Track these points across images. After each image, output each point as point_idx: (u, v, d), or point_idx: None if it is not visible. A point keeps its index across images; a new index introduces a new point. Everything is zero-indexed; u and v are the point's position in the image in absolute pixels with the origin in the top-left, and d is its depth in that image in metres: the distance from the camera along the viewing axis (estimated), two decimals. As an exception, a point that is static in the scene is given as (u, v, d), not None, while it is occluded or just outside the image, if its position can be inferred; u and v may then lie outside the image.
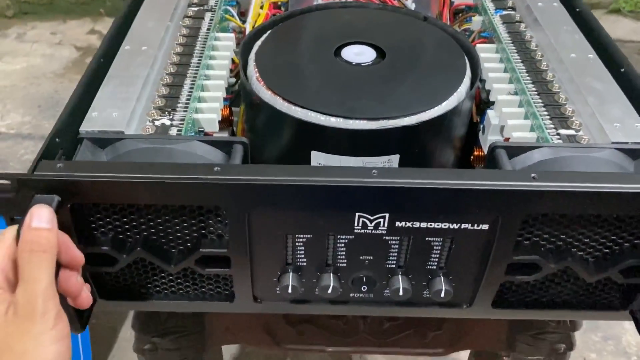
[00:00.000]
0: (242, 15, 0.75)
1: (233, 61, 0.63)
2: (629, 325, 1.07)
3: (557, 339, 0.65)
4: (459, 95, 0.53)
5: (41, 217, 0.39)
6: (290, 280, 0.48)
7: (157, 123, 0.51)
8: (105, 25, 1.74)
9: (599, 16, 1.75)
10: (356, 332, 0.64)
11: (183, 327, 0.63)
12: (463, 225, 0.44)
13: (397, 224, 0.44)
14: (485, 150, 0.57)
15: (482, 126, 0.58)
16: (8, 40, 1.71)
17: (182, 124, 0.51)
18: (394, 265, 0.48)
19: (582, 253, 0.47)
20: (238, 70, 0.62)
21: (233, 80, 0.63)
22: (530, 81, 0.56)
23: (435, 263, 0.47)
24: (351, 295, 0.50)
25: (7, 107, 1.47)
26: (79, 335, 0.95)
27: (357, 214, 0.44)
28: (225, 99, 0.58)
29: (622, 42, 1.64)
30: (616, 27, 1.69)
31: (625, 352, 1.02)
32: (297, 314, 0.64)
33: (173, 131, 0.50)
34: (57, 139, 0.47)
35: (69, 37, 1.71)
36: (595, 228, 0.45)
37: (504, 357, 0.69)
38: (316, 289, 0.49)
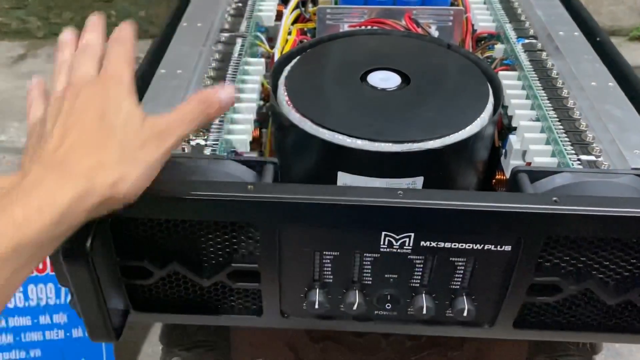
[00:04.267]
0: (270, 40, 0.78)
1: (262, 85, 0.65)
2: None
3: (578, 362, 0.65)
4: (482, 120, 0.55)
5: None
6: (317, 296, 0.50)
7: (193, 143, 0.53)
8: (132, 47, 1.79)
9: (620, 43, 1.77)
10: (378, 350, 0.65)
11: (209, 341, 0.65)
12: (486, 246, 0.46)
13: (422, 243, 0.46)
14: (507, 174, 0.58)
15: (504, 150, 0.60)
16: (39, 60, 1.76)
17: (216, 144, 0.53)
18: (418, 284, 0.49)
19: (602, 275, 0.48)
20: (267, 93, 0.65)
21: (261, 102, 0.66)
22: (552, 108, 0.58)
23: (459, 283, 0.49)
24: (375, 312, 0.52)
25: (37, 124, 1.51)
26: (104, 350, 0.97)
27: (383, 233, 0.46)
28: (256, 121, 0.60)
29: (642, 69, 1.65)
30: (638, 55, 1.70)
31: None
32: (320, 331, 0.66)
33: (207, 151, 0.53)
34: (98, 157, 0.49)
35: (97, 58, 1.76)
36: (615, 251, 0.47)
37: (524, 379, 0.69)
38: (342, 306, 0.51)
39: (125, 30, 0.46)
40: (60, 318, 0.92)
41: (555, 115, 0.57)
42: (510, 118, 0.60)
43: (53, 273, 0.94)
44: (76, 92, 0.41)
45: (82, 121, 0.40)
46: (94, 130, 0.39)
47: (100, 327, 0.48)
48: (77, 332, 0.93)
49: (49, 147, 0.39)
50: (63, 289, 0.93)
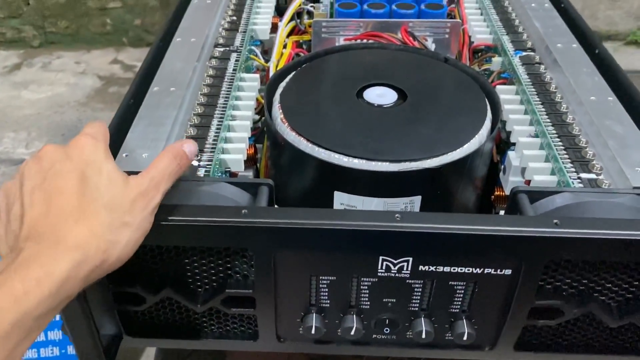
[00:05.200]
0: (265, 53, 0.77)
1: (257, 100, 0.64)
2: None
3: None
4: (481, 137, 0.54)
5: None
6: (313, 321, 0.49)
7: (186, 164, 0.52)
8: (127, 55, 1.79)
9: (617, 47, 1.76)
10: (377, 370, 0.64)
11: (205, 362, 0.64)
12: (486, 270, 0.45)
13: (421, 267, 0.45)
14: (506, 190, 0.57)
15: (503, 166, 0.59)
16: (34, 69, 1.75)
17: (209, 164, 0.52)
18: (417, 308, 0.48)
19: (604, 298, 0.47)
20: (262, 106, 0.64)
21: (257, 117, 0.65)
22: (551, 123, 0.57)
23: (458, 306, 0.48)
24: (374, 336, 0.51)
25: (32, 135, 1.51)
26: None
27: (380, 257, 0.45)
28: (250, 137, 0.59)
29: (640, 74, 1.64)
30: (635, 59, 1.70)
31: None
32: (319, 354, 0.64)
33: (201, 172, 0.52)
34: (89, 180, 0.48)
35: (92, 67, 1.76)
36: (617, 274, 0.46)
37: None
38: (339, 330, 0.50)
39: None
40: (55, 335, 0.91)
41: (555, 131, 0.56)
42: (508, 133, 0.60)
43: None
44: (52, 152, 0.41)
45: (63, 185, 0.39)
46: (78, 195, 0.39)
47: (92, 354, 0.47)
48: (72, 350, 0.92)
49: (34, 214, 0.38)
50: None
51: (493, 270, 0.45)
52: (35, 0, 1.75)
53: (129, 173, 0.47)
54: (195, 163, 0.52)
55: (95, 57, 1.81)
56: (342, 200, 0.53)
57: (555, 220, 0.43)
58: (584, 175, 0.51)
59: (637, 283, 0.46)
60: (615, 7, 1.68)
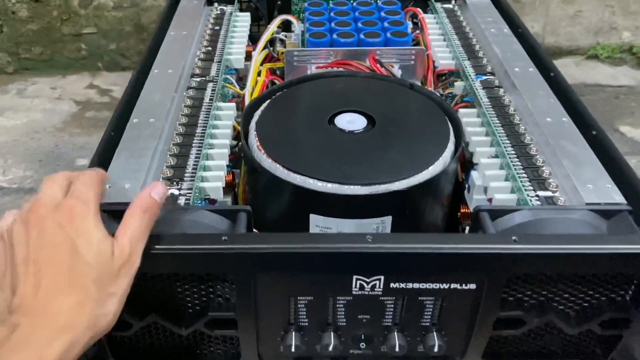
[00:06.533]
0: (241, 80, 0.80)
1: (233, 126, 0.67)
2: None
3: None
4: (445, 159, 0.58)
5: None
6: (293, 339, 0.51)
7: (167, 193, 0.55)
8: (103, 79, 1.80)
9: (579, 62, 1.83)
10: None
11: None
12: (452, 285, 0.48)
13: (392, 285, 0.48)
14: (471, 207, 0.61)
15: (467, 185, 0.63)
16: (9, 96, 1.75)
17: (189, 192, 0.55)
18: (390, 323, 0.51)
19: (563, 307, 0.51)
20: (238, 132, 0.67)
21: (234, 142, 0.68)
22: (510, 144, 0.61)
23: (429, 320, 0.51)
24: (350, 351, 0.53)
25: (8, 162, 1.51)
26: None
27: (354, 276, 0.48)
28: (228, 165, 0.62)
29: (601, 87, 1.71)
30: (596, 73, 1.76)
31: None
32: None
33: (181, 200, 0.54)
34: (75, 212, 0.50)
35: (68, 92, 1.76)
36: (574, 285, 0.49)
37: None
38: (318, 347, 0.52)
39: (92, 171, 0.47)
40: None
41: (514, 152, 0.60)
42: (472, 154, 0.63)
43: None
44: (42, 218, 0.41)
45: (54, 258, 0.40)
46: (69, 270, 0.40)
47: (81, 381, 0.49)
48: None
49: (27, 288, 0.39)
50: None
51: (459, 285, 0.48)
52: (9, 27, 1.76)
53: (114, 204, 0.50)
54: (175, 192, 0.55)
55: (70, 82, 1.81)
56: (317, 222, 0.56)
57: (514, 238, 0.47)
58: (541, 193, 0.55)
59: (592, 293, 0.50)
60: (575, 24, 1.75)
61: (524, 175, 0.57)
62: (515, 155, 0.59)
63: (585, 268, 0.47)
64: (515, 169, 0.57)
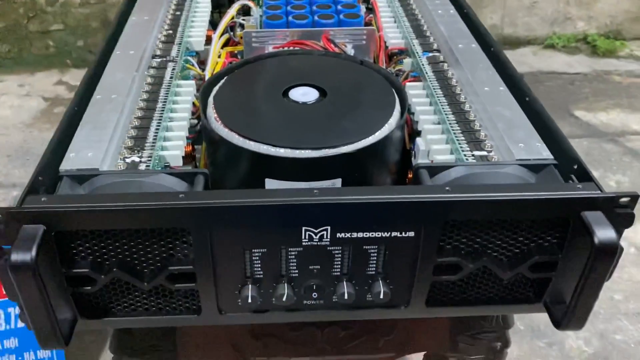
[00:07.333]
0: (202, 64, 0.84)
1: (194, 105, 0.71)
2: (571, 332, 1.16)
3: (493, 338, 0.73)
4: (390, 126, 0.62)
5: None
6: (250, 291, 0.55)
7: (128, 160, 0.58)
8: (72, 76, 1.81)
9: (536, 51, 1.91)
10: (315, 342, 0.71)
11: (156, 346, 0.69)
12: (393, 234, 0.52)
13: (338, 235, 0.52)
14: (416, 171, 0.65)
15: (414, 152, 0.67)
16: (-23, 93, 1.76)
17: (150, 160, 0.58)
18: (339, 273, 0.55)
19: (496, 254, 0.55)
20: (199, 113, 0.70)
21: (195, 121, 0.71)
22: (451, 112, 0.65)
23: (374, 268, 0.55)
24: (304, 302, 0.57)
25: (-23, 158, 1.52)
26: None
27: (303, 228, 0.52)
28: (188, 138, 0.66)
29: (557, 74, 1.78)
30: (552, 61, 1.84)
31: (569, 355, 1.11)
32: (261, 328, 0.71)
33: (142, 166, 0.58)
34: (40, 178, 0.53)
35: (37, 89, 1.77)
36: (505, 231, 0.54)
37: (450, 358, 0.76)
38: (273, 298, 0.56)
39: None
40: (12, 343, 0.94)
41: (454, 118, 0.65)
42: (417, 123, 0.68)
43: (1, 300, 0.95)
44: None
45: None
46: None
47: (50, 334, 0.52)
48: (29, 356, 0.94)
49: None
50: (12, 315, 0.95)
51: (399, 233, 0.52)
52: (-25, 26, 1.77)
53: (78, 170, 0.53)
54: (136, 159, 0.58)
55: (39, 79, 1.83)
56: (272, 186, 0.60)
57: (447, 188, 0.51)
58: (477, 152, 0.60)
59: (521, 239, 0.55)
60: (532, 14, 1.82)
61: (462, 137, 0.62)
62: (455, 121, 0.64)
63: (513, 214, 0.52)
64: (454, 133, 0.62)
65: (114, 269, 0.52)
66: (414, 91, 0.71)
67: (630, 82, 1.84)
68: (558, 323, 0.55)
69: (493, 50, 0.75)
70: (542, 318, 1.18)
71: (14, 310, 0.95)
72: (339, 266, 0.55)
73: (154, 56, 0.76)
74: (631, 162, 1.59)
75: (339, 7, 0.84)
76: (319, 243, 0.53)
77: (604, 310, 1.21)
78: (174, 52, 0.77)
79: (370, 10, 0.91)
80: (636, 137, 1.67)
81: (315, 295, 0.57)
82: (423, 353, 0.84)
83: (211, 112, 0.63)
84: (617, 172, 1.55)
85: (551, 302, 0.58)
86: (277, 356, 0.71)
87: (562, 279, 0.56)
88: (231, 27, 0.88)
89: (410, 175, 0.67)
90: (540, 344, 1.12)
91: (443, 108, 0.66)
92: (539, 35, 1.87)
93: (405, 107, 0.65)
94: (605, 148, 1.62)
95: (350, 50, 0.80)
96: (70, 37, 1.79)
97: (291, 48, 0.79)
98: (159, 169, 0.59)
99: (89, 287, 0.53)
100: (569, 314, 0.53)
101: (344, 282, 0.56)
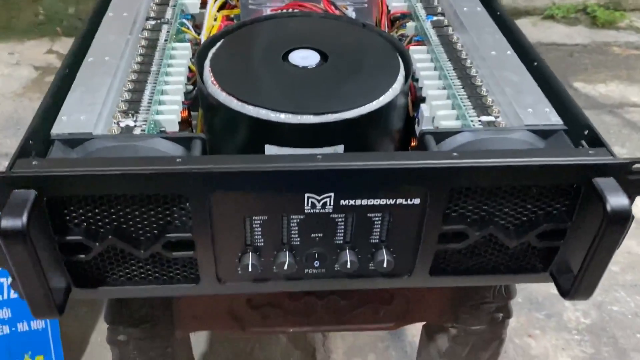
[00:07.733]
0: (197, 27, 0.81)
1: (190, 69, 0.68)
2: (569, 303, 1.16)
3: (495, 308, 0.72)
4: (394, 91, 0.60)
5: None
6: (250, 259, 0.53)
7: (122, 124, 0.56)
8: (62, 44, 1.77)
9: (535, 22, 1.88)
10: (314, 312, 0.70)
11: (153, 316, 0.68)
12: (398, 201, 0.51)
13: (342, 202, 0.51)
14: (420, 138, 0.64)
15: (417, 119, 0.65)
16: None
17: (145, 124, 0.56)
18: (341, 241, 0.54)
19: (503, 221, 0.54)
20: (195, 77, 0.68)
21: (191, 87, 0.69)
22: (456, 77, 0.63)
23: (377, 237, 0.54)
24: (306, 271, 0.56)
25: (-34, 127, 1.49)
26: (51, 341, 0.97)
27: (306, 194, 0.50)
28: (184, 104, 0.63)
29: (556, 46, 1.76)
30: (551, 32, 1.81)
31: (567, 327, 1.11)
32: (260, 298, 0.69)
33: (137, 131, 0.55)
34: (30, 141, 0.51)
35: (27, 58, 1.73)
36: (512, 198, 0.52)
37: (450, 329, 0.75)
38: (274, 267, 0.55)
39: None
40: (4, 313, 0.92)
41: (460, 83, 0.62)
42: (421, 89, 0.66)
43: (-7, 270, 0.94)
44: None
45: None
46: None
47: (43, 303, 0.50)
48: (23, 327, 0.93)
49: None
50: (5, 285, 0.93)
51: (404, 200, 0.50)
52: (-38, -8, 1.72)
53: (70, 134, 0.51)
54: (131, 123, 0.56)
55: (29, 47, 1.78)
56: (272, 152, 0.58)
57: (454, 153, 0.49)
58: (484, 118, 0.58)
59: (529, 206, 0.53)
60: (532, -16, 1.79)
61: (468, 103, 0.60)
62: (461, 86, 0.62)
63: (522, 181, 0.51)
64: (460, 98, 0.60)
65: (109, 237, 0.51)
66: (418, 55, 0.69)
67: (630, 53, 1.81)
68: (566, 292, 0.54)
69: (499, 14, 0.73)
70: (540, 290, 1.18)
71: (6, 281, 0.94)
72: (342, 234, 0.53)
73: (147, 18, 0.73)
74: (630, 134, 1.58)
75: (340, -32, 0.80)
76: (321, 210, 0.51)
77: (601, 282, 1.21)
78: (168, 15, 0.74)
79: (372, -27, 0.87)
80: (635, 108, 1.66)
81: (317, 263, 0.55)
82: (423, 323, 0.83)
83: (208, 75, 0.61)
84: (615, 144, 1.54)
85: (558, 271, 0.56)
86: (276, 327, 0.70)
87: (570, 248, 0.54)
88: (227, -10, 0.84)
89: (413, 143, 0.65)
90: (539, 315, 1.12)
91: (448, 73, 0.64)
92: (538, 6, 1.83)
93: (410, 72, 0.63)
94: (604, 120, 1.61)
95: (351, 13, 0.77)
96: (60, 5, 1.74)
97: (290, 10, 0.76)
98: (155, 133, 0.57)
99: (83, 255, 0.51)
100: (577, 283, 0.52)
101: (347, 251, 0.54)
